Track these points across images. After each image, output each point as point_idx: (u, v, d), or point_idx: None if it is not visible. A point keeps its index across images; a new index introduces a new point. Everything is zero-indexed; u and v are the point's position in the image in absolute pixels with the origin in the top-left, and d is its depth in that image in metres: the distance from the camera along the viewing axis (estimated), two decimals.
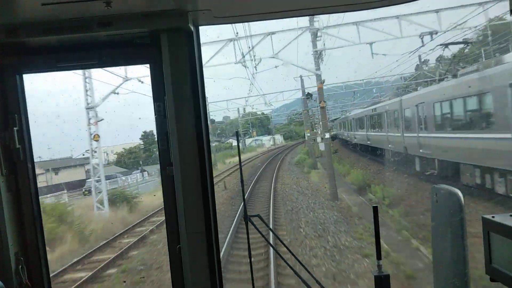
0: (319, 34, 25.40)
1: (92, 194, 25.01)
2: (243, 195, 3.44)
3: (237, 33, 24.41)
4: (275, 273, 11.49)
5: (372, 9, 2.53)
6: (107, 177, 27.62)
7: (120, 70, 23.54)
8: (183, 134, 2.43)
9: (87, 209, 24.45)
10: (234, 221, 17.53)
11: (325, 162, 29.90)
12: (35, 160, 2.67)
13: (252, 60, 28.44)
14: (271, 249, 12.46)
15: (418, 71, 39.97)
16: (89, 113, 23.99)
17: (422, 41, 23.35)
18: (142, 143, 58.48)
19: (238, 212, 19.17)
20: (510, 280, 1.66)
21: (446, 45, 21.44)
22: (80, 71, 22.43)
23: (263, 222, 2.80)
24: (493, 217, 1.78)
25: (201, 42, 2.56)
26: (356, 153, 42.43)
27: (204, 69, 2.57)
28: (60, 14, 2.25)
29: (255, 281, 4.09)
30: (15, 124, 2.45)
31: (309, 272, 2.82)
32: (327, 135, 27.72)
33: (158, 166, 2.76)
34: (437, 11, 22.72)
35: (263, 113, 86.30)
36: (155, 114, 2.49)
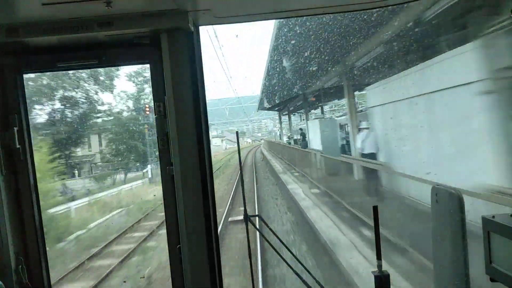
0: None
1: None
2: (243, 195, 3.43)
3: None
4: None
5: (372, 9, 2.53)
6: None
7: None
8: (183, 134, 2.43)
9: None
10: None
11: None
12: None
13: None
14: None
15: None
16: None
17: None
18: None
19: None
20: (510, 280, 1.66)
21: None
22: None
23: (263, 222, 2.81)
24: (493, 217, 1.78)
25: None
26: None
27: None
28: (60, 14, 2.25)
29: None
30: (15, 124, 2.45)
31: (308, 271, 2.82)
32: None
33: None
34: None
35: None
36: (155, 114, 2.49)
